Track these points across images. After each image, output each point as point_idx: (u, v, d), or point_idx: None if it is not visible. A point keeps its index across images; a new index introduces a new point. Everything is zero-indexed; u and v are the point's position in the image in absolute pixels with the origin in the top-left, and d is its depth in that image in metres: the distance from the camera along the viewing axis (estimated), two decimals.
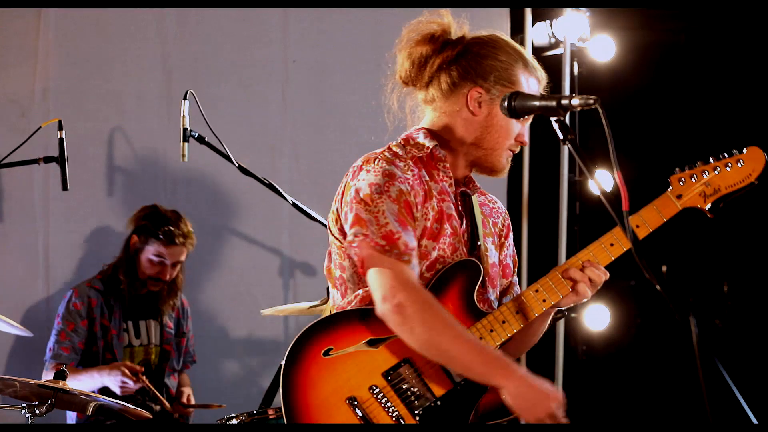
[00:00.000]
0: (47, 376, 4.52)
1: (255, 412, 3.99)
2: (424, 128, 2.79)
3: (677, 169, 2.75)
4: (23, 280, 5.07)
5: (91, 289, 4.70)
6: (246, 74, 5.41)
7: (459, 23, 2.82)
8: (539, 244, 5.94)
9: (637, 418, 6.35)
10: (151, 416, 4.05)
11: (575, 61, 6.04)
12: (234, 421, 4.02)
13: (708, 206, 2.74)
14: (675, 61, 6.45)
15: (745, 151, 2.75)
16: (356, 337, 2.58)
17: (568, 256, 5.99)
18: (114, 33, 5.21)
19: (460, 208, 2.77)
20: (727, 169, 2.74)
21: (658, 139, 6.37)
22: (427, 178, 2.71)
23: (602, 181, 2.30)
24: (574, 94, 2.44)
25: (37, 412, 3.63)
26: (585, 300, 2.70)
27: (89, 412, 3.97)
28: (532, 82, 2.75)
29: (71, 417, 4.59)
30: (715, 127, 6.24)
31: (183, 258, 4.76)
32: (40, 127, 4.41)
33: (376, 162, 2.65)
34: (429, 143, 2.74)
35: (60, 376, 3.70)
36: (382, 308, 2.52)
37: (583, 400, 6.15)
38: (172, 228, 4.69)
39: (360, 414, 2.53)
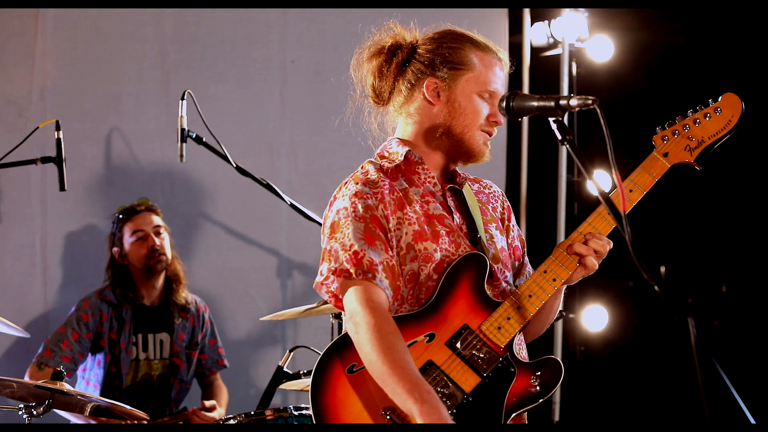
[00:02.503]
0: (33, 378, 4.45)
1: (253, 413, 3.99)
2: (397, 138, 2.81)
3: (658, 128, 2.75)
4: (20, 281, 5.06)
5: (102, 302, 4.65)
6: (244, 75, 5.40)
7: (409, 30, 2.84)
8: (537, 244, 5.93)
9: (636, 418, 6.35)
10: (148, 417, 4.04)
11: (574, 61, 6.04)
12: (232, 422, 4.02)
13: (694, 159, 2.76)
14: (673, 61, 6.45)
15: (720, 99, 2.82)
16: None
17: None
18: (112, 33, 5.21)
19: (450, 204, 2.76)
20: (707, 119, 2.78)
21: None
22: (405, 185, 2.72)
23: (600, 181, 2.30)
24: (572, 95, 2.43)
25: (35, 413, 3.63)
26: (593, 271, 2.70)
27: (87, 413, 3.97)
28: (488, 61, 2.75)
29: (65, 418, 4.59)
30: None
31: (158, 221, 4.75)
32: (38, 128, 4.40)
33: (345, 186, 2.70)
34: (401, 150, 2.75)
35: (57, 376, 3.70)
36: (345, 327, 2.61)
37: (582, 401, 6.15)
38: (126, 207, 4.77)
39: (399, 422, 2.50)
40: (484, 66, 2.74)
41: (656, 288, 2.12)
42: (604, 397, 6.29)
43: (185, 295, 4.81)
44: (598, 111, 2.28)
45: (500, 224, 2.86)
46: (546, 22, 6.00)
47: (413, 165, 2.76)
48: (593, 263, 2.66)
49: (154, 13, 5.25)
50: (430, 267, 2.64)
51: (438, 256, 2.65)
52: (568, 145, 2.37)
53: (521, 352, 2.74)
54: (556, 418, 5.91)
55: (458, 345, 2.59)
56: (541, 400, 2.63)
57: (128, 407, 3.90)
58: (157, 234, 4.74)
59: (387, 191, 2.68)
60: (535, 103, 2.49)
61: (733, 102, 2.81)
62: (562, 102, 2.41)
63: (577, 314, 5.96)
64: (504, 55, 2.80)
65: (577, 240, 2.67)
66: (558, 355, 5.89)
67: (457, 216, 2.75)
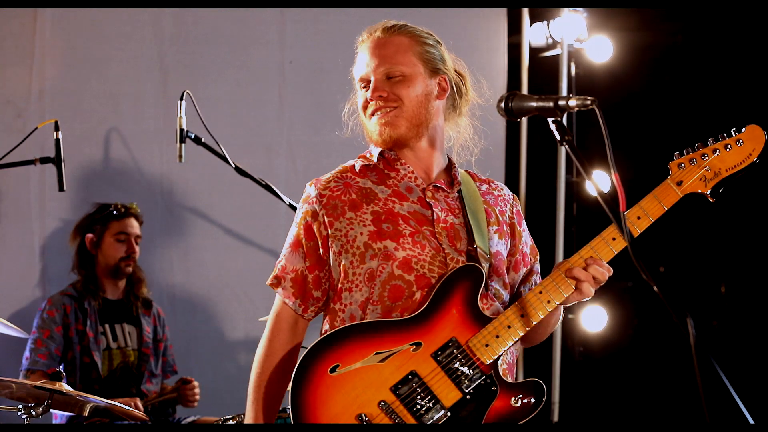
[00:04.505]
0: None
1: None
2: None
3: (676, 154, 2.68)
4: (19, 281, 5.06)
5: (65, 297, 4.74)
6: (243, 75, 5.40)
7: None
8: (536, 244, 5.93)
9: (635, 419, 6.35)
10: (146, 417, 4.04)
11: (572, 61, 6.05)
12: (231, 422, 4.01)
13: (709, 191, 2.67)
14: (672, 62, 6.45)
15: (744, 130, 2.70)
16: (362, 352, 2.56)
17: (566, 256, 5.97)
18: (110, 33, 5.21)
19: (431, 202, 2.72)
20: (727, 150, 2.68)
21: (656, 140, 6.36)
22: (370, 184, 2.73)
23: (599, 182, 2.30)
24: (571, 95, 2.43)
25: (33, 413, 3.63)
26: (589, 297, 2.66)
27: (85, 413, 3.97)
28: (360, 52, 2.81)
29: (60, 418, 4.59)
30: (713, 127, 6.24)
31: (138, 232, 4.89)
32: (37, 128, 4.40)
33: (305, 190, 2.80)
34: (375, 150, 2.78)
35: (56, 377, 3.69)
36: None
37: (581, 402, 6.15)
38: (119, 205, 4.87)
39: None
40: (358, 58, 2.81)
41: (655, 288, 2.12)
42: (603, 398, 6.29)
43: (146, 291, 4.94)
44: (597, 111, 2.28)
45: (505, 229, 2.82)
46: (545, 22, 6.00)
47: (391, 162, 2.77)
48: (589, 290, 2.62)
49: (152, 13, 5.25)
50: (392, 265, 2.63)
51: (401, 254, 2.63)
52: (567, 146, 2.37)
53: (508, 373, 2.70)
54: (556, 418, 5.91)
55: (443, 358, 2.57)
56: (521, 422, 2.60)
57: (127, 407, 3.91)
58: (137, 242, 4.89)
59: (339, 192, 2.71)
60: (533, 104, 2.49)
61: (757, 135, 2.67)
62: (561, 102, 2.41)
63: (576, 314, 5.96)
64: (387, 27, 2.81)
65: (578, 264, 2.63)
66: (557, 356, 5.89)
67: (444, 214, 2.72)
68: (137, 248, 4.88)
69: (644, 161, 6.06)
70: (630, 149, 5.86)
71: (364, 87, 2.76)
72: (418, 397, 2.54)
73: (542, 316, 2.63)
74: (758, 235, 6.18)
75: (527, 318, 2.61)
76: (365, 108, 2.75)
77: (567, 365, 5.98)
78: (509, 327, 2.61)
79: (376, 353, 2.55)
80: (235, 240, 5.38)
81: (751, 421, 2.10)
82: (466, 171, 2.88)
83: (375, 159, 2.77)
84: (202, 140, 4.47)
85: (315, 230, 2.71)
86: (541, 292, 2.63)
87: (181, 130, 4.40)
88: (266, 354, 2.75)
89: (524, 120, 5.69)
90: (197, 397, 4.81)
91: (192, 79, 5.22)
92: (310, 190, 2.75)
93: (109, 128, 5.21)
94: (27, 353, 4.63)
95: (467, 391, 2.56)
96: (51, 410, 3.72)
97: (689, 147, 2.69)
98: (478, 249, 2.69)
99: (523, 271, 2.85)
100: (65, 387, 3.65)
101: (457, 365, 2.57)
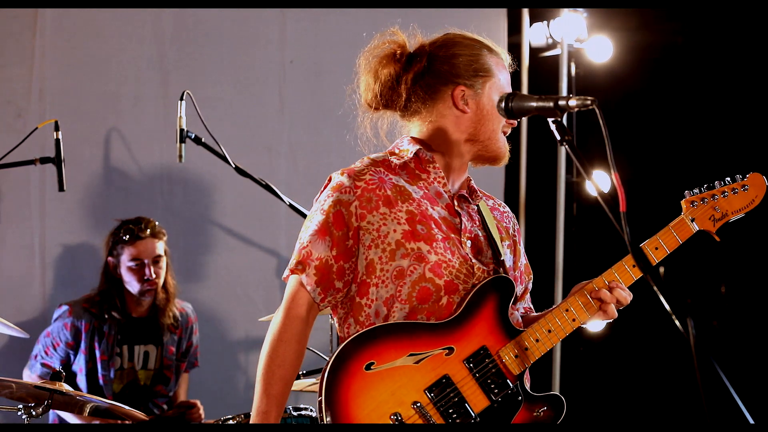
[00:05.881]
0: (28, 379, 4.53)
1: None
2: (411, 137, 2.81)
3: (687, 192, 2.82)
4: (19, 281, 5.06)
5: (86, 313, 4.62)
6: (243, 75, 5.40)
7: (411, 34, 2.84)
8: (536, 245, 5.94)
9: (635, 418, 6.35)
10: (146, 418, 4.04)
11: (572, 61, 6.05)
12: (231, 422, 4.01)
13: (716, 230, 2.84)
14: (672, 62, 6.45)
15: (747, 177, 2.87)
16: (398, 351, 2.57)
17: (566, 257, 6.00)
18: (110, 33, 5.20)
19: (459, 210, 2.76)
20: (734, 194, 2.85)
21: (656, 140, 6.37)
22: (403, 183, 2.72)
23: (599, 182, 2.30)
24: (571, 95, 2.43)
25: (34, 413, 3.63)
26: (611, 320, 2.79)
27: (86, 413, 3.97)
28: (501, 65, 2.80)
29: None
30: (712, 128, 6.24)
31: (159, 251, 4.67)
32: (37, 128, 4.41)
33: (332, 179, 2.73)
34: (413, 147, 2.76)
35: (56, 377, 3.69)
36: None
37: (581, 401, 6.15)
38: (131, 226, 4.64)
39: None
40: (500, 70, 2.78)
41: (655, 288, 2.12)
42: (603, 397, 6.29)
43: (173, 312, 4.79)
44: (597, 111, 2.28)
45: (512, 244, 2.89)
46: (545, 22, 6.00)
47: (424, 163, 2.77)
48: (614, 312, 2.74)
49: (152, 13, 5.25)
50: (424, 267, 2.63)
51: (433, 258, 2.64)
52: (567, 146, 2.37)
53: (526, 383, 2.75)
54: None
55: (474, 365, 2.62)
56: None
57: (127, 407, 3.90)
58: (156, 263, 4.67)
59: (374, 186, 2.68)
60: (534, 104, 2.50)
61: (759, 183, 2.88)
62: (561, 102, 2.41)
63: None
64: (507, 54, 2.85)
65: (602, 287, 2.74)
66: (557, 355, 5.89)
67: (470, 224, 2.75)
68: (157, 269, 4.65)
69: (645, 161, 6.08)
70: (630, 149, 5.87)
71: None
72: (450, 401, 2.58)
73: (567, 334, 2.73)
74: (758, 236, 6.18)
75: (554, 334, 2.70)
76: (501, 122, 2.79)
77: (567, 365, 5.98)
78: (537, 341, 2.68)
79: (411, 354, 2.58)
80: (235, 240, 5.38)
81: (751, 421, 2.10)
82: (467, 181, 2.90)
83: (409, 155, 2.76)
84: (202, 140, 4.47)
85: (347, 220, 2.66)
86: (567, 310, 2.72)
87: (181, 130, 4.40)
88: (280, 339, 2.64)
89: (524, 120, 5.69)
90: (202, 419, 4.73)
91: (192, 79, 5.22)
92: (342, 179, 2.69)
93: (109, 128, 5.20)
94: (38, 352, 4.61)
95: (495, 399, 2.62)
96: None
97: (698, 187, 2.86)
98: (505, 262, 2.75)
99: (519, 288, 2.87)
100: (65, 387, 3.65)
101: (487, 373, 2.62)
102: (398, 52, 2.80)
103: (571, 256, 5.97)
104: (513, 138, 6.24)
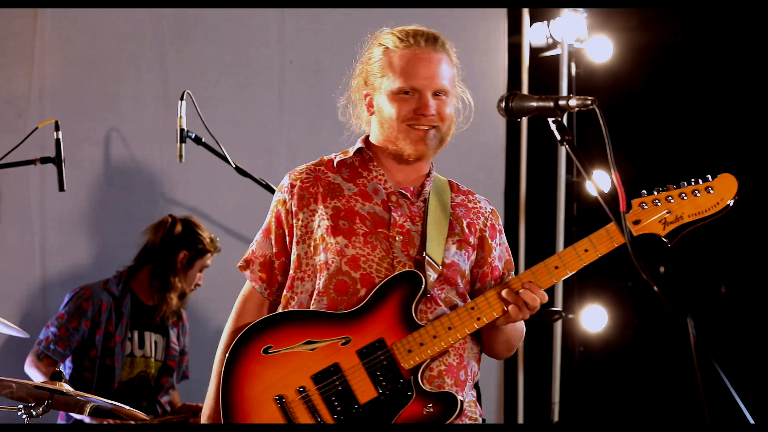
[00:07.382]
0: (33, 366, 4.54)
1: None
2: (365, 136, 2.90)
3: (643, 192, 2.63)
4: (19, 281, 5.06)
5: (104, 292, 4.67)
6: (243, 75, 5.40)
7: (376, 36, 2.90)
8: (536, 245, 5.94)
9: (635, 419, 6.34)
10: (147, 417, 4.04)
11: (573, 61, 6.04)
12: None
13: (666, 234, 2.62)
14: (672, 62, 6.44)
15: (716, 178, 2.62)
16: (297, 337, 2.70)
17: None
18: (110, 33, 5.21)
19: (391, 207, 2.78)
20: (695, 195, 2.60)
21: (656, 140, 6.36)
22: (340, 181, 2.80)
23: (600, 182, 2.30)
24: (571, 95, 2.43)
25: (34, 413, 3.63)
26: (518, 321, 2.69)
27: (86, 413, 3.97)
28: (406, 56, 2.76)
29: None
30: (712, 128, 6.24)
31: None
32: (37, 128, 4.41)
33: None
34: (357, 146, 2.87)
35: (56, 377, 3.69)
36: None
37: (581, 402, 6.15)
38: (217, 243, 4.88)
39: (285, 413, 2.67)
40: (402, 62, 2.76)
41: (655, 288, 2.12)
42: (603, 398, 6.29)
43: (180, 310, 4.89)
44: (597, 111, 2.29)
45: (471, 240, 2.82)
46: (545, 22, 6.00)
47: (366, 162, 2.85)
48: (517, 315, 2.64)
49: (152, 13, 5.25)
50: (341, 261, 2.72)
51: (350, 252, 2.72)
52: (567, 146, 2.37)
53: (449, 379, 2.73)
54: (556, 418, 5.91)
55: (367, 356, 2.66)
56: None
57: (128, 407, 3.90)
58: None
59: (308, 184, 2.81)
60: (534, 104, 2.50)
61: (728, 184, 2.59)
62: (561, 102, 2.42)
63: (576, 314, 5.96)
64: (430, 39, 2.78)
65: (514, 286, 2.65)
66: (557, 356, 5.89)
67: (402, 219, 2.76)
68: (201, 280, 4.92)
69: (645, 161, 6.08)
70: (630, 149, 5.86)
71: (407, 93, 2.75)
72: (335, 389, 2.66)
73: (469, 332, 2.68)
74: (758, 235, 6.18)
75: (454, 331, 2.67)
76: (404, 116, 2.74)
77: (567, 365, 5.97)
78: (435, 337, 2.67)
79: (308, 341, 2.69)
80: (235, 240, 5.37)
81: (751, 421, 2.10)
82: (448, 180, 2.91)
83: (351, 154, 2.85)
84: (202, 140, 4.47)
85: (284, 219, 2.82)
86: (473, 308, 2.68)
87: (181, 130, 4.40)
88: (233, 332, 2.85)
89: (524, 120, 5.69)
90: None
91: (192, 79, 5.22)
92: (284, 180, 2.87)
93: (109, 128, 5.20)
94: (49, 334, 4.59)
95: (382, 391, 2.65)
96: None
97: (659, 186, 2.64)
98: (426, 257, 2.73)
99: (491, 284, 2.83)
100: (65, 387, 3.65)
101: (378, 365, 2.66)
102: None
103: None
104: (513, 138, 6.23)
